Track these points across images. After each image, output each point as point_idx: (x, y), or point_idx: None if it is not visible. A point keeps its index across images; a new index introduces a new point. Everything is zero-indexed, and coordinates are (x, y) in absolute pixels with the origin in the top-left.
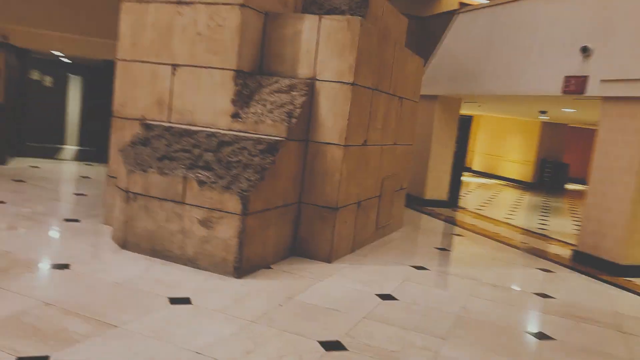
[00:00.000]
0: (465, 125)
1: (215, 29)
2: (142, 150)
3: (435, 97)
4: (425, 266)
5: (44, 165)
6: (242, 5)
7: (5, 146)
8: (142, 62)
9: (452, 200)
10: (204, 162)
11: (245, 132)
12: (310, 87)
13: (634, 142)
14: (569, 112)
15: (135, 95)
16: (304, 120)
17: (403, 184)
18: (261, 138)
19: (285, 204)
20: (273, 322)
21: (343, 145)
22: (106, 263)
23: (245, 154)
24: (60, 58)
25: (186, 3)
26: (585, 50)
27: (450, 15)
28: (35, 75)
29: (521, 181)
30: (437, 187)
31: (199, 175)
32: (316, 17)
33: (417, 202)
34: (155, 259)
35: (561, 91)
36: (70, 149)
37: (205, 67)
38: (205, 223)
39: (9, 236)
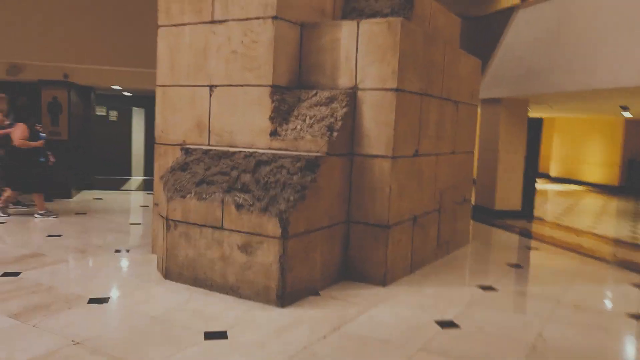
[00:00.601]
0: (535, 128)
1: (249, 45)
2: (181, 176)
3: (499, 100)
4: (494, 286)
5: (108, 196)
6: (274, 18)
7: (71, 180)
8: (180, 86)
9: (527, 210)
10: (241, 184)
11: (285, 150)
12: (352, 97)
13: None
14: None
15: (175, 121)
16: (347, 133)
17: (466, 195)
18: (300, 155)
19: (331, 223)
20: (314, 358)
21: (390, 157)
22: (146, 295)
23: (283, 173)
24: (123, 92)
25: (220, 22)
26: None
27: (510, 11)
28: (100, 110)
29: (606, 185)
30: (508, 197)
31: (237, 198)
32: (354, 22)
33: (487, 214)
34: (197, 288)
35: None
36: (135, 179)
37: (241, 86)
38: (245, 248)
39: (57, 270)
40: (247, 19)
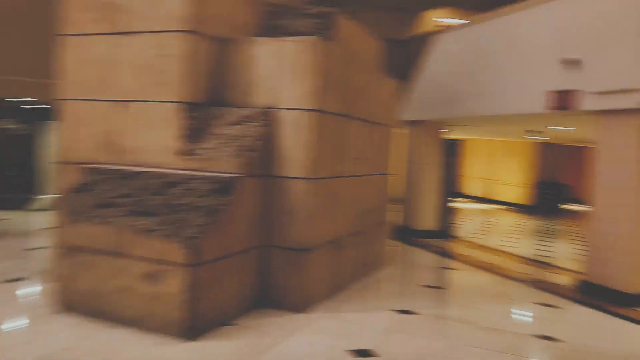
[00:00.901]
0: (452, 149)
1: (161, 59)
2: (83, 197)
3: (421, 122)
4: (412, 310)
5: (10, 217)
6: (189, 32)
7: None
8: (87, 100)
9: (444, 229)
10: (148, 207)
11: (198, 170)
12: (270, 116)
13: (636, 157)
14: (566, 131)
15: (81, 137)
16: (265, 154)
17: (384, 217)
18: (213, 176)
19: (247, 248)
20: None
21: (309, 179)
22: (39, 331)
23: (194, 195)
24: (37, 105)
25: (130, 33)
26: (571, 63)
27: (429, 36)
28: (7, 124)
29: (519, 204)
30: (427, 217)
31: (142, 222)
32: (274, 40)
33: (410, 234)
34: (99, 321)
35: (545, 108)
36: (45, 198)
37: (152, 102)
38: (150, 277)
39: None
40: (159, 32)
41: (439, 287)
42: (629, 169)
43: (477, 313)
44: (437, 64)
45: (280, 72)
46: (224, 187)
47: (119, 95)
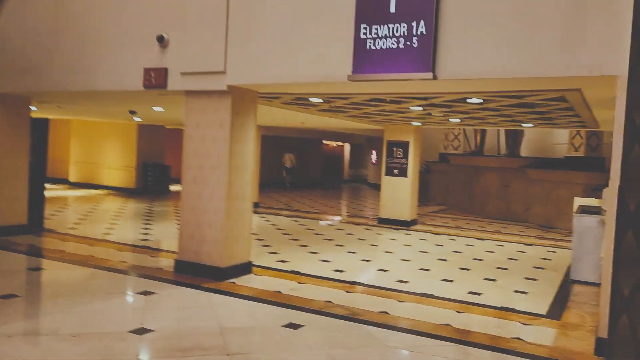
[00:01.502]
0: (40, 129)
1: None
2: None
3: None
4: None
5: None
6: None
7: None
8: None
9: (35, 222)
10: None
11: None
12: None
13: (220, 137)
14: (162, 113)
15: None
16: None
17: None
18: None
19: None
20: None
21: None
22: None
23: None
24: None
25: None
26: (161, 40)
27: None
28: None
29: (124, 188)
30: (11, 209)
31: None
32: None
33: None
34: None
35: (142, 85)
36: None
37: None
38: None
39: None
40: None
41: (16, 296)
42: (217, 148)
43: (62, 318)
44: (14, 26)
45: None
46: None
47: None
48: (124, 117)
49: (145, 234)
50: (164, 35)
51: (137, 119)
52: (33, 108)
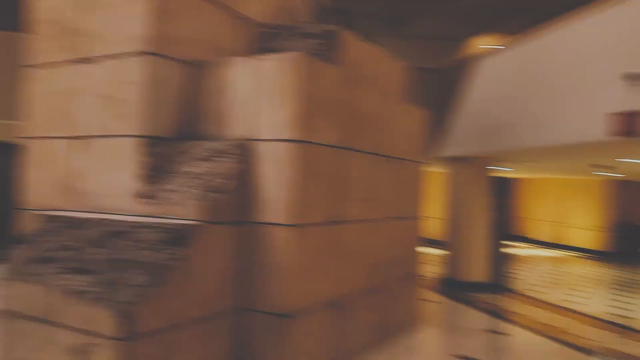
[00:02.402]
0: (503, 188)
1: (120, 87)
2: (25, 251)
3: (464, 158)
4: None
5: None
6: (150, 54)
7: None
8: (46, 138)
9: (497, 281)
10: (87, 263)
11: (155, 217)
12: (246, 149)
13: None
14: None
15: (41, 180)
16: (239, 196)
17: (411, 269)
18: (164, 224)
19: (212, 314)
20: None
21: (293, 225)
22: None
23: (139, 248)
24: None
25: (89, 60)
26: (637, 79)
27: (471, 61)
28: None
29: (593, 250)
30: (475, 266)
31: (73, 281)
32: (251, 59)
33: (455, 287)
34: None
35: (607, 134)
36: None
37: (110, 136)
38: (78, 353)
39: None
40: (119, 55)
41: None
42: None
43: None
44: (480, 92)
45: (258, 96)
46: (178, 237)
47: (79, 131)
48: (585, 172)
49: (616, 307)
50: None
51: (606, 174)
52: (495, 168)
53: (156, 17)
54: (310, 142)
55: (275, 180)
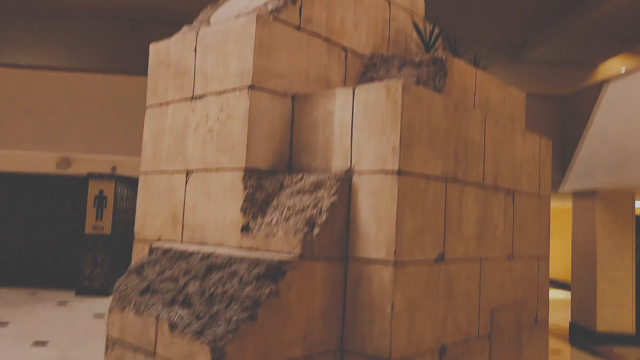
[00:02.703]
0: None
1: (224, 122)
2: (132, 281)
3: (593, 192)
4: None
5: None
6: (251, 88)
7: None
8: (160, 172)
9: None
10: (185, 295)
11: (256, 250)
12: (345, 182)
13: None
14: None
15: (153, 212)
16: (337, 230)
17: (539, 314)
18: (261, 258)
19: (309, 354)
20: None
21: (393, 263)
22: None
23: (234, 282)
24: None
25: (199, 97)
26: None
27: (598, 87)
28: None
29: None
30: (614, 315)
31: (173, 314)
32: (348, 89)
33: (588, 338)
34: None
35: None
36: None
37: (215, 170)
38: None
39: None
40: (224, 92)
41: None
42: None
43: None
44: (611, 119)
45: (357, 127)
46: (272, 272)
47: (188, 164)
48: None
49: None
50: None
51: None
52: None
53: (257, 51)
54: (412, 173)
55: (375, 214)
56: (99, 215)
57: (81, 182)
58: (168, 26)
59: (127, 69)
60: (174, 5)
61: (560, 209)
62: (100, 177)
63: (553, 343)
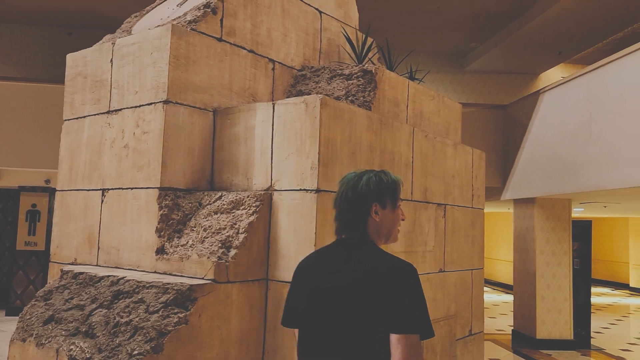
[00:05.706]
0: (584, 232)
1: (140, 137)
2: (38, 308)
3: (532, 200)
4: None
5: None
6: (166, 102)
7: None
8: (77, 190)
9: (581, 337)
10: (90, 325)
11: (170, 274)
12: (265, 201)
13: None
14: None
15: (70, 232)
16: (257, 251)
17: (473, 327)
18: (175, 283)
19: None
20: None
21: None
22: None
23: (140, 310)
24: None
25: (115, 111)
26: None
27: (535, 97)
28: None
29: None
30: (553, 321)
31: (74, 347)
32: (269, 104)
33: (529, 345)
34: None
35: None
36: None
37: (130, 189)
38: None
39: None
40: (139, 106)
41: None
42: None
43: None
44: (547, 128)
45: (277, 143)
46: (181, 299)
47: (103, 182)
48: None
49: None
50: None
51: None
52: (576, 209)
53: (173, 64)
54: (332, 192)
55: (294, 234)
56: (32, 231)
57: (13, 196)
58: (106, 32)
59: (61, 79)
60: (112, 11)
61: (508, 214)
62: (33, 190)
63: (495, 351)
